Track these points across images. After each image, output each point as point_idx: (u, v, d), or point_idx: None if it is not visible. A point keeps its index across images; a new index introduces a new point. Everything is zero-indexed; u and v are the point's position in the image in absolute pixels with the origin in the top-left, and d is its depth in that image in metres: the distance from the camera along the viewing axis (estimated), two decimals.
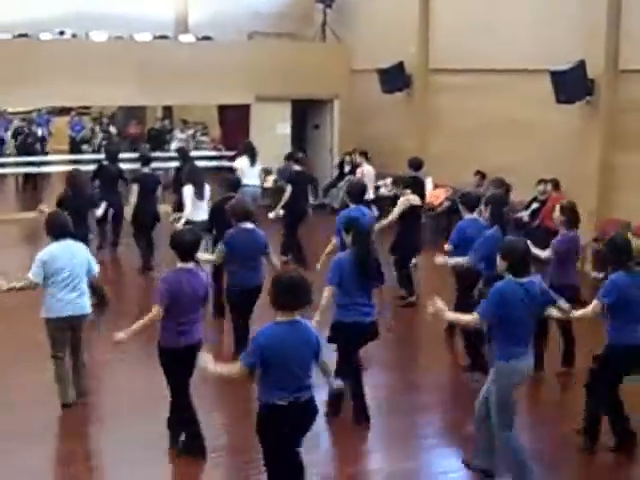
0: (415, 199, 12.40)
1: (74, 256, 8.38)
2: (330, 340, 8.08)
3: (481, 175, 16.41)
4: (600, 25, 13.98)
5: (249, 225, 9.45)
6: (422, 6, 18.44)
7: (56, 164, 20.45)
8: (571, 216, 9.50)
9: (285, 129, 20.44)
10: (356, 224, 8.32)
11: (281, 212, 14.26)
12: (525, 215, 14.73)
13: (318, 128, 21.66)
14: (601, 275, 13.63)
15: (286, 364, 5.74)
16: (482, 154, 16.53)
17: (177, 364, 7.28)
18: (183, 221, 12.19)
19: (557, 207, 9.79)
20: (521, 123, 15.75)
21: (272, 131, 19.82)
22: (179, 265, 7.29)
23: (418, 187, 13.33)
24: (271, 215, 14.24)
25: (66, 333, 8.50)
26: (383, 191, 16.73)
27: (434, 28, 18.32)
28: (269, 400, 5.80)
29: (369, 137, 19.59)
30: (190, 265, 7.27)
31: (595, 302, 7.52)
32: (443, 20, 17.96)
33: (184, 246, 7.24)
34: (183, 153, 15.86)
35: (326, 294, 7.99)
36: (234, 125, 20.10)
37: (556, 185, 14.73)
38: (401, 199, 12.34)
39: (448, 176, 17.20)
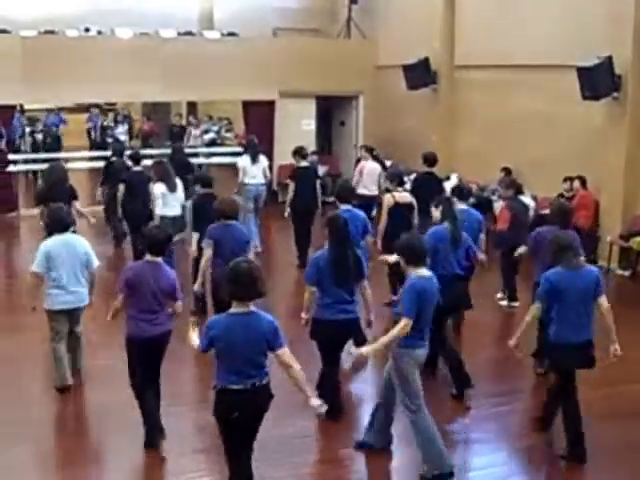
0: (402, 196, 11.73)
1: (73, 250, 8.65)
2: (310, 336, 8.20)
3: (507, 171, 16.31)
4: (628, 20, 13.83)
5: (232, 221, 9.53)
6: (447, 1, 18.35)
7: (75, 161, 20.50)
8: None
9: (310, 125, 20.45)
10: (333, 222, 8.19)
11: (288, 210, 14.17)
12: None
13: (344, 125, 21.65)
14: (627, 273, 13.65)
15: (236, 352, 5.88)
16: (508, 150, 16.44)
17: (137, 353, 7.47)
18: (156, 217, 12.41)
19: None
20: (547, 119, 15.66)
21: (297, 127, 19.85)
22: (147, 257, 7.49)
23: (432, 183, 13.06)
24: (286, 214, 14.23)
25: (65, 323, 8.85)
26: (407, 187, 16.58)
27: (459, 24, 18.23)
28: (222, 384, 5.98)
29: (394, 133, 19.56)
30: (158, 259, 7.45)
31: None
32: (468, 15, 17.88)
33: (155, 241, 7.44)
34: (174, 149, 16.67)
35: (306, 294, 8.12)
36: (258, 121, 20.09)
37: (583, 182, 14.61)
38: (384, 197, 11.92)
39: (474, 172, 17.11)
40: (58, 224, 8.74)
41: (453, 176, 17.58)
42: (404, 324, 6.80)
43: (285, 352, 6.04)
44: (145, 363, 7.52)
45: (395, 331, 6.85)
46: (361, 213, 10.49)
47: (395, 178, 12.02)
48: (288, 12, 22.45)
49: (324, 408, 6.21)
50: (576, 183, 14.69)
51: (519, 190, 12.50)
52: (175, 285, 7.54)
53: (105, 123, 25.03)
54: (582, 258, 7.86)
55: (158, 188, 12.52)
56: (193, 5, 25.35)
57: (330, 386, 8.20)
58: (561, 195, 14.86)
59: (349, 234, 8.21)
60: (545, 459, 7.71)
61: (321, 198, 14.60)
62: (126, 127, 25.52)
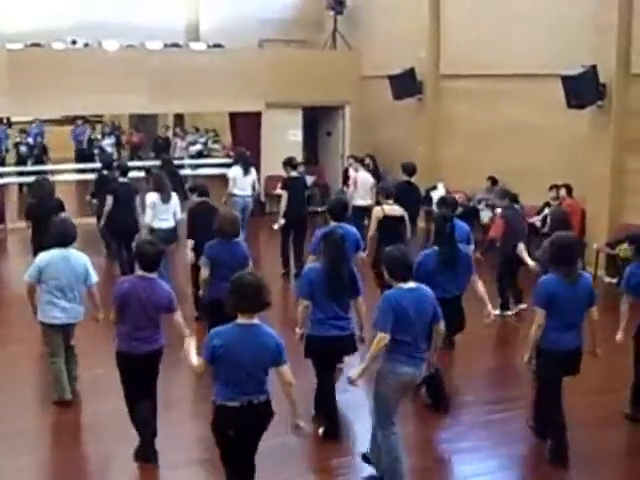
0: (392, 209, 11.54)
1: (71, 265, 8.50)
2: (305, 355, 8.04)
3: (492, 180, 16.44)
4: (612, 30, 13.94)
5: (232, 239, 9.32)
6: (432, 12, 18.43)
7: (61, 173, 20.53)
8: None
9: (296, 136, 20.47)
10: (327, 234, 8.11)
11: (282, 221, 14.12)
12: (537, 221, 14.70)
13: (330, 135, 21.70)
14: (614, 280, 13.72)
15: (237, 366, 5.73)
16: (494, 159, 16.52)
17: (129, 370, 7.34)
18: (144, 230, 12.41)
19: None
20: (533, 128, 15.75)
21: (283, 138, 19.86)
22: (139, 273, 7.37)
23: (412, 193, 13.10)
24: (275, 226, 14.27)
25: (58, 338, 8.71)
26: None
27: (445, 34, 18.31)
28: (220, 400, 5.83)
29: (380, 143, 19.62)
30: (151, 275, 7.29)
31: None
32: (454, 26, 17.96)
33: (147, 257, 7.26)
34: (163, 160, 16.76)
35: (299, 308, 7.96)
36: (245, 132, 20.14)
37: (569, 190, 14.71)
38: (374, 210, 11.78)
39: (460, 182, 17.18)
40: (60, 238, 8.56)
41: (440, 185, 17.66)
42: (378, 339, 6.59)
43: (287, 369, 5.90)
44: (135, 379, 7.39)
45: (372, 349, 6.67)
46: (353, 229, 10.22)
47: (386, 191, 11.84)
48: (274, 23, 22.48)
49: (307, 430, 6.23)
50: (562, 191, 14.77)
51: (514, 199, 12.55)
52: (171, 297, 7.35)
53: (92, 136, 25.03)
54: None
55: (150, 197, 12.44)
56: (179, 17, 25.35)
57: (327, 402, 8.12)
58: (547, 204, 14.95)
59: (346, 250, 8.05)
60: (539, 466, 7.69)
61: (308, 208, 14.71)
62: (113, 139, 25.55)
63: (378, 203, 12.29)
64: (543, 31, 15.48)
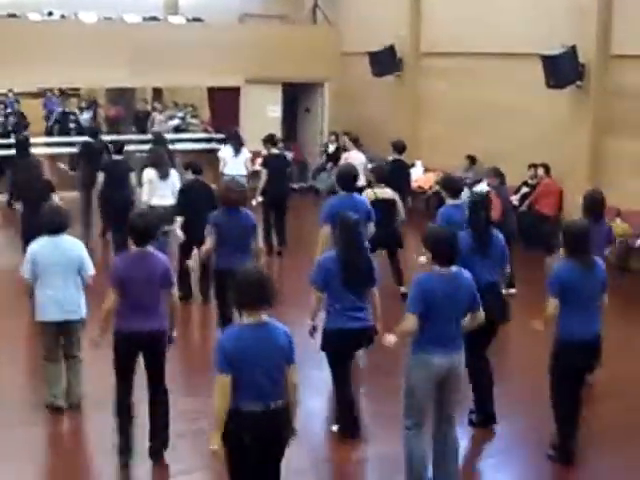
0: (384, 192, 11.33)
1: (65, 254, 7.93)
2: (322, 348, 7.62)
3: (471, 159, 16.44)
4: (592, 10, 13.95)
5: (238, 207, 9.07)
6: None
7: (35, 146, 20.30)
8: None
9: (275, 112, 20.36)
10: (341, 219, 7.60)
11: (260, 198, 14.03)
12: (515, 199, 14.73)
13: (309, 111, 21.61)
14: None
15: (252, 370, 5.31)
16: (472, 138, 16.52)
17: (125, 351, 7.00)
18: (142, 204, 11.95)
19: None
20: (512, 107, 15.72)
21: (262, 114, 19.74)
22: (132, 249, 7.11)
23: (402, 170, 13.07)
24: (253, 202, 14.16)
25: (56, 337, 8.11)
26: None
27: (425, 11, 18.25)
28: (234, 406, 5.36)
29: (360, 120, 19.55)
30: (146, 249, 6.99)
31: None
32: (434, 3, 17.90)
33: (138, 231, 6.96)
34: (157, 137, 15.98)
35: (313, 297, 7.50)
36: (224, 108, 20.03)
37: (547, 170, 14.76)
38: (365, 192, 11.29)
39: (438, 160, 17.19)
40: (49, 225, 7.97)
41: (418, 163, 17.66)
42: (407, 318, 6.24)
43: (295, 369, 5.53)
44: (131, 365, 7.00)
45: (402, 325, 6.33)
46: (363, 199, 9.91)
47: (378, 174, 11.63)
48: None
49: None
50: (540, 170, 14.84)
51: (503, 181, 12.41)
52: (169, 272, 7.07)
53: (67, 109, 24.70)
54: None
55: (147, 174, 12.11)
56: None
57: (346, 404, 7.70)
58: (525, 183, 14.99)
59: (360, 235, 7.67)
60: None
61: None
62: (91, 114, 25.28)
63: (369, 184, 12.12)
64: (524, 10, 15.45)
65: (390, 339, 6.54)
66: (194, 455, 7.33)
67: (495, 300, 7.62)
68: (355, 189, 9.91)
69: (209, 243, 9.07)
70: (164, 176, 12.09)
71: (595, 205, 8.71)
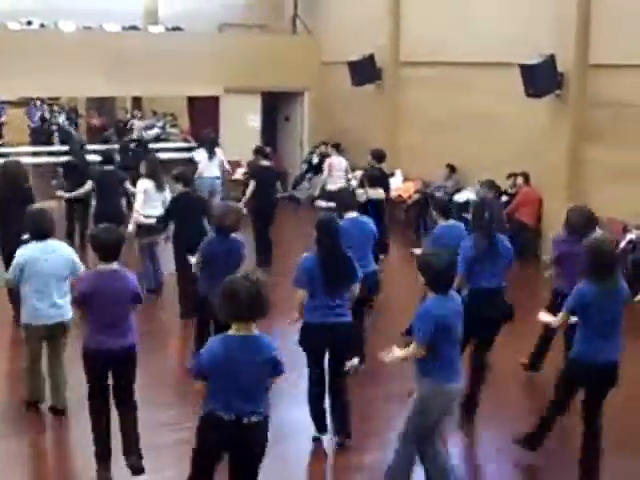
0: (376, 193, 11.75)
1: (55, 258, 7.83)
2: (299, 343, 7.63)
3: (451, 168, 16.49)
4: (571, 19, 14.01)
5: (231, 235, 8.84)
6: None
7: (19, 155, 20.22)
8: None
9: (255, 121, 20.35)
10: (320, 220, 7.73)
11: (244, 210, 13.94)
12: None
13: (288, 120, 21.62)
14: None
15: (231, 381, 5.23)
16: (452, 147, 16.56)
17: (94, 370, 6.85)
18: (138, 218, 11.78)
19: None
20: (491, 116, 15.77)
21: (242, 123, 19.74)
22: (99, 267, 6.82)
23: (383, 180, 13.13)
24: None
25: (40, 342, 8.06)
26: (353, 184, 16.64)
27: (405, 21, 18.29)
28: (207, 409, 5.34)
29: (339, 130, 19.57)
30: (113, 266, 6.77)
31: None
32: (414, 13, 17.94)
33: (103, 246, 6.72)
34: (143, 144, 15.88)
35: (295, 297, 7.53)
36: (203, 117, 19.99)
37: (526, 178, 14.82)
38: (357, 192, 11.44)
39: (418, 169, 17.22)
40: (36, 231, 7.88)
41: (397, 172, 17.69)
42: (416, 348, 6.22)
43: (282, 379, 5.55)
44: (104, 381, 6.88)
45: (410, 349, 6.30)
46: (368, 220, 9.49)
47: (371, 179, 11.98)
48: (234, 8, 22.31)
49: None
50: (519, 179, 14.90)
51: (497, 191, 12.39)
52: (136, 289, 6.89)
53: (47, 115, 24.65)
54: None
55: (143, 184, 11.91)
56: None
57: (311, 396, 7.73)
58: (504, 192, 15.03)
59: (338, 235, 7.65)
60: None
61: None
62: (65, 116, 25.21)
63: (362, 185, 12.38)
64: (503, 20, 15.49)
65: (393, 355, 6.50)
66: (177, 465, 7.15)
67: (501, 302, 8.09)
68: (354, 208, 9.46)
69: (196, 270, 8.91)
70: (160, 187, 11.96)
71: (590, 224, 8.69)
